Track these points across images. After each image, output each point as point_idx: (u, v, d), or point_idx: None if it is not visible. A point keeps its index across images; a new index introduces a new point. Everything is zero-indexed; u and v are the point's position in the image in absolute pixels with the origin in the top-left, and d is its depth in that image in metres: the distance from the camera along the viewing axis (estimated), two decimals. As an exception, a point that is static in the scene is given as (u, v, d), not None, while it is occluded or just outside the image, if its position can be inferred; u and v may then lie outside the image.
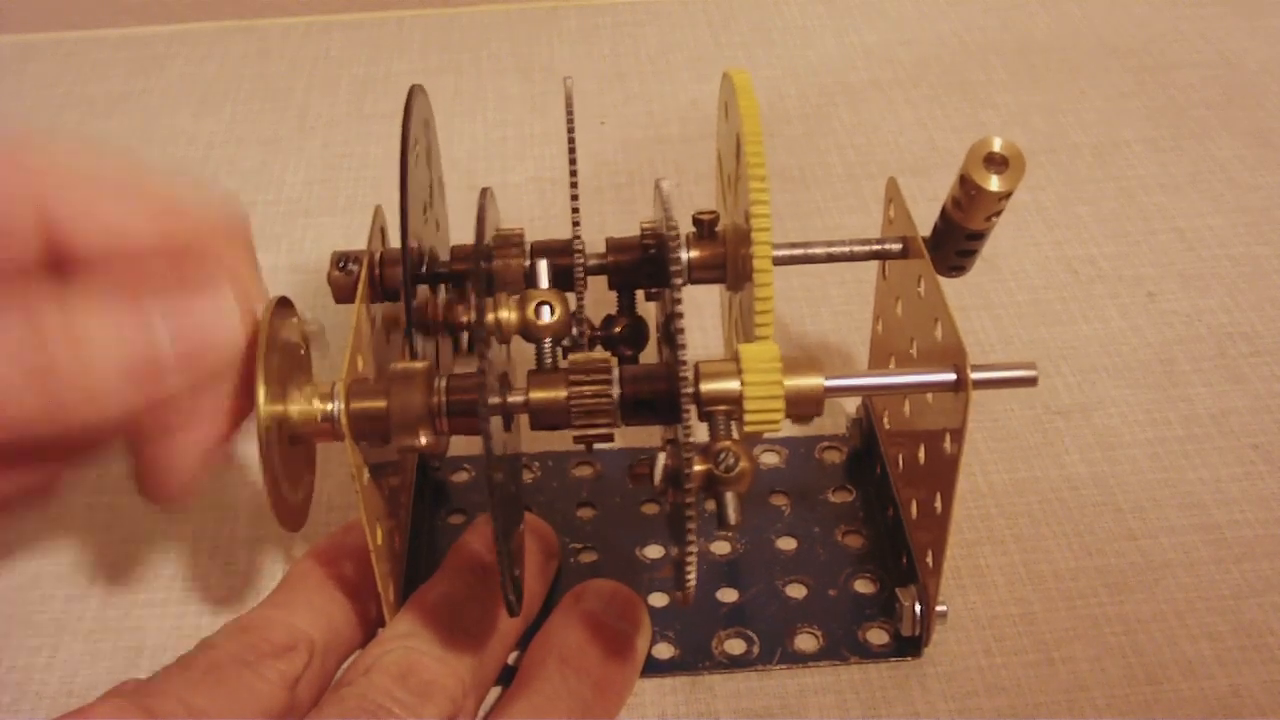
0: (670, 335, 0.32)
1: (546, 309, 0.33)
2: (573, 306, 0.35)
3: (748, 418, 0.31)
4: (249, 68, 0.66)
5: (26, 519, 0.42)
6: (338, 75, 0.66)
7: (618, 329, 0.37)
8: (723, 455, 0.31)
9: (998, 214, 0.35)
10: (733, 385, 0.32)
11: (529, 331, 0.34)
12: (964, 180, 0.35)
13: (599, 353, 0.33)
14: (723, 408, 0.32)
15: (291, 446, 0.33)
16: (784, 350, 0.32)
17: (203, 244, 0.32)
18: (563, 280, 0.36)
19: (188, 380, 0.31)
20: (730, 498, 0.31)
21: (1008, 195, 0.34)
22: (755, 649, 0.38)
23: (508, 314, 0.33)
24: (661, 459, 0.32)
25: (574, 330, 0.35)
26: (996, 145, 0.34)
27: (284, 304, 0.33)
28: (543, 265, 0.36)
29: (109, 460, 0.33)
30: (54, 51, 0.68)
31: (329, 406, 0.32)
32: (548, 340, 0.34)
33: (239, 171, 0.59)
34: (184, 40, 0.69)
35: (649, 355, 0.37)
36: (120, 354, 0.29)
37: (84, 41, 0.69)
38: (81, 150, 0.32)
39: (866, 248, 0.38)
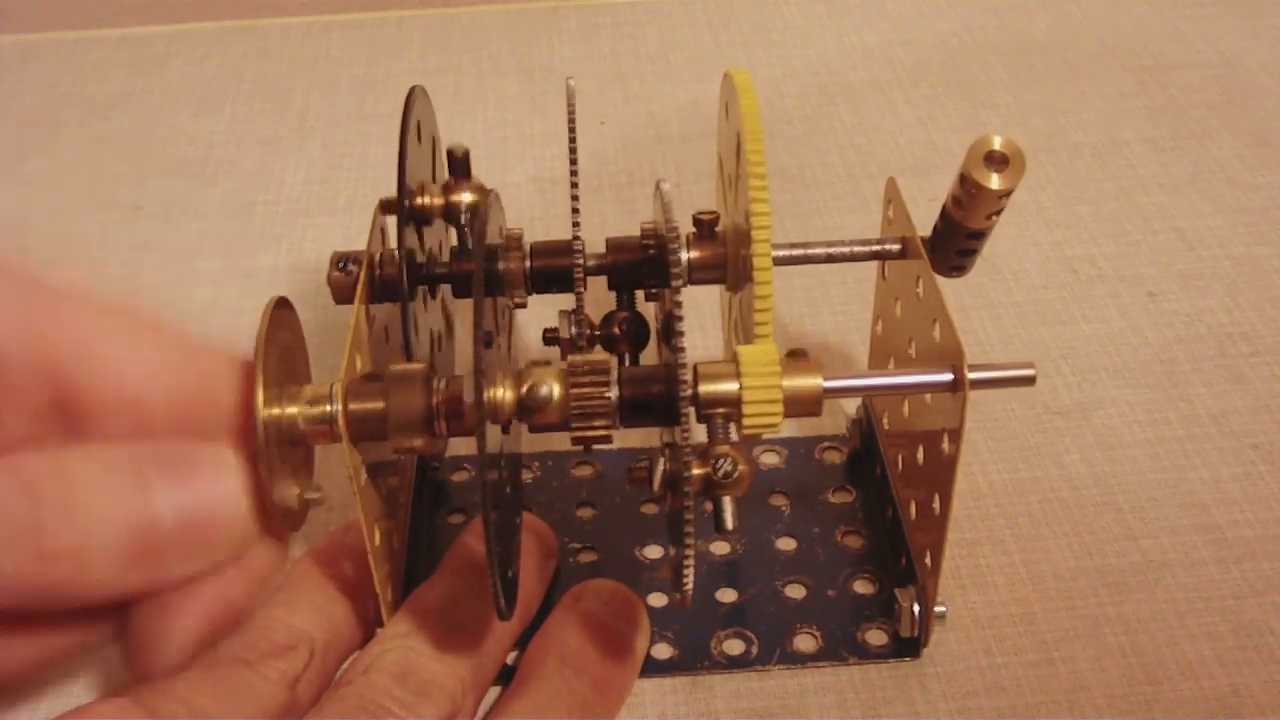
0: (670, 334, 0.32)
1: (545, 387, 0.32)
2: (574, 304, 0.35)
3: (746, 419, 0.31)
4: (249, 68, 0.66)
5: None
6: (338, 75, 0.66)
7: (617, 328, 0.37)
8: (720, 461, 0.31)
9: (998, 213, 0.35)
10: (731, 387, 0.32)
11: (526, 411, 0.32)
12: (964, 179, 0.35)
13: (598, 354, 0.33)
14: (721, 410, 0.32)
15: (290, 447, 0.33)
16: (784, 351, 0.32)
17: (214, 393, 0.31)
18: (563, 280, 0.36)
19: (191, 565, 0.30)
20: (728, 502, 0.31)
21: (1008, 193, 0.34)
22: (754, 649, 0.38)
23: (504, 392, 0.32)
24: (660, 464, 0.32)
25: (573, 330, 0.35)
26: (997, 143, 0.34)
27: (283, 304, 0.33)
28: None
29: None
30: (54, 51, 0.68)
31: (327, 408, 0.32)
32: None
33: (239, 171, 0.59)
34: (184, 40, 0.69)
35: (649, 355, 0.37)
36: (120, 528, 0.29)
37: (84, 41, 0.69)
38: (88, 296, 0.31)
39: (866, 248, 0.38)
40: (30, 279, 0.31)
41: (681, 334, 0.30)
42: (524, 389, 0.31)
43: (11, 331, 0.29)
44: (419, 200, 0.36)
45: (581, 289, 0.36)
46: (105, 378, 0.30)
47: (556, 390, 0.32)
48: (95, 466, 0.29)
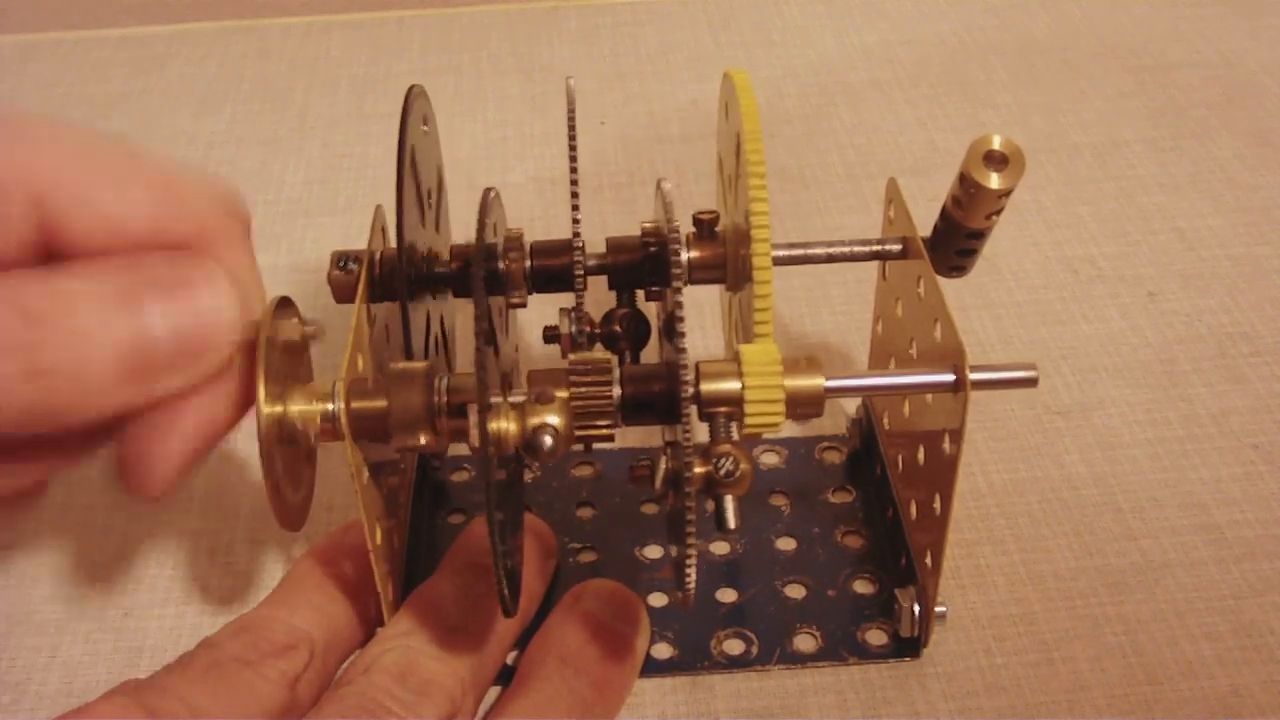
0: (671, 332, 0.32)
1: (548, 437, 0.32)
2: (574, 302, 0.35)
3: (748, 419, 0.31)
4: (249, 68, 0.66)
5: (24, 518, 0.42)
6: (338, 75, 0.66)
7: (618, 326, 0.37)
8: (722, 459, 0.31)
9: (998, 212, 0.35)
10: (733, 386, 0.32)
11: (530, 443, 0.32)
12: (964, 178, 0.35)
13: (600, 352, 0.33)
14: (724, 409, 0.32)
15: (292, 446, 0.33)
16: (784, 351, 0.32)
17: (201, 234, 0.31)
18: (563, 280, 0.36)
19: (183, 378, 0.30)
20: (729, 501, 0.31)
21: (1008, 193, 0.34)
22: (754, 649, 0.38)
23: (506, 424, 0.32)
24: (663, 463, 0.32)
25: (573, 327, 0.35)
26: (996, 143, 0.34)
27: (285, 303, 0.33)
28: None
29: (109, 460, 0.33)
30: (54, 51, 0.68)
31: (329, 406, 0.32)
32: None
33: (239, 171, 0.59)
34: (184, 40, 0.69)
35: (650, 352, 0.37)
36: (114, 347, 0.28)
37: (84, 41, 0.69)
38: (78, 134, 0.31)
39: (866, 248, 0.38)
40: (15, 115, 0.31)
41: (683, 334, 0.30)
42: (528, 429, 0.32)
43: None
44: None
45: (582, 288, 0.36)
46: (88, 204, 0.30)
47: (561, 430, 0.32)
48: (87, 285, 0.28)
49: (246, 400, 0.32)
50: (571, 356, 0.33)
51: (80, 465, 0.33)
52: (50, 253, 0.30)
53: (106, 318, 0.29)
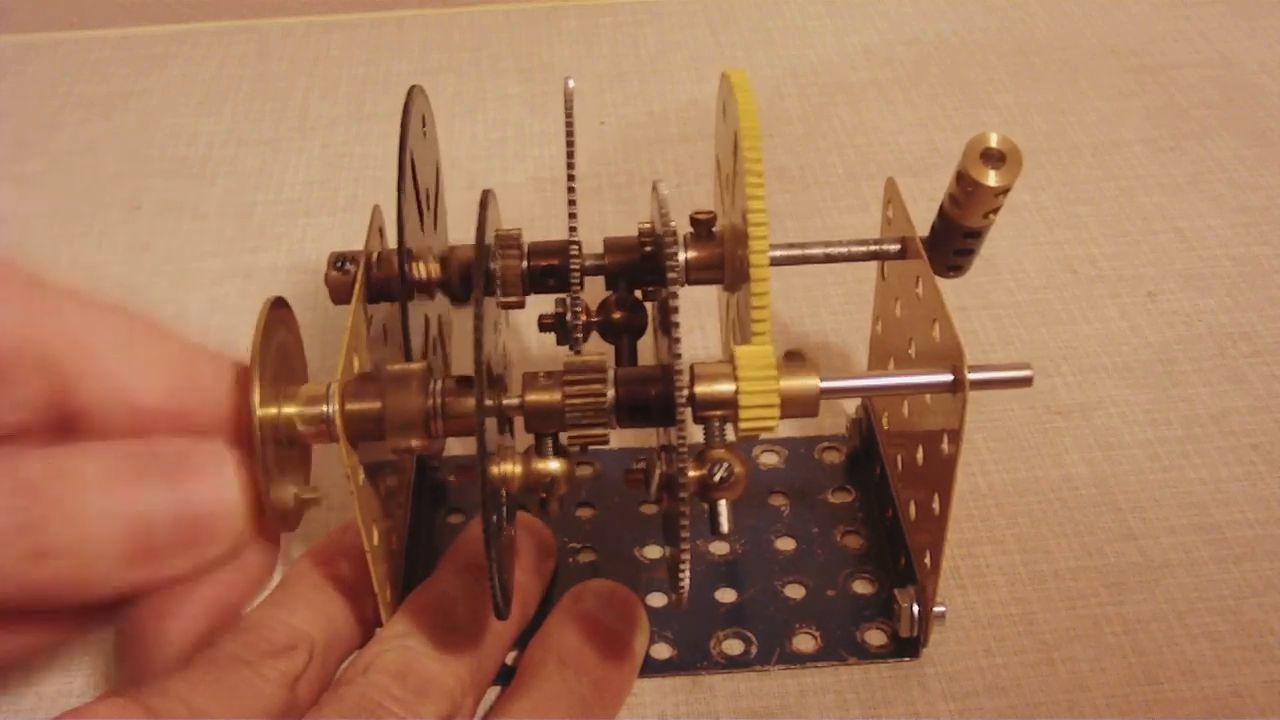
0: (667, 325, 0.32)
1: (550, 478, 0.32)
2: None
3: (743, 420, 0.31)
4: (249, 68, 0.66)
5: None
6: (338, 75, 0.66)
7: (615, 315, 0.37)
8: (716, 466, 0.31)
9: (995, 211, 0.35)
10: (728, 388, 0.32)
11: (532, 482, 0.33)
12: (961, 176, 0.35)
13: (594, 355, 0.33)
14: (718, 412, 0.32)
15: (287, 447, 0.33)
16: (782, 351, 0.32)
17: (216, 415, 0.31)
18: (560, 280, 0.36)
19: (188, 563, 0.30)
20: (723, 506, 0.31)
21: (1005, 191, 0.34)
22: (753, 649, 0.38)
23: (510, 467, 0.32)
24: (657, 468, 0.32)
25: (569, 316, 0.35)
26: (993, 140, 0.34)
27: (280, 304, 0.33)
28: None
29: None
30: (54, 51, 0.68)
31: (324, 408, 0.32)
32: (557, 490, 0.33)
33: (239, 171, 0.59)
34: (184, 40, 0.69)
35: (648, 351, 0.37)
36: (117, 529, 0.29)
37: (84, 41, 0.69)
38: (96, 301, 0.31)
39: (865, 248, 0.38)
40: (29, 275, 0.31)
41: (678, 340, 0.30)
42: (532, 474, 0.32)
43: (9, 327, 0.29)
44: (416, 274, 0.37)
45: (579, 289, 0.36)
46: (102, 376, 0.30)
47: (563, 481, 0.32)
48: (92, 465, 0.29)
49: (259, 584, 0.32)
50: (566, 359, 0.33)
51: (85, 637, 0.33)
52: (62, 419, 0.30)
53: (110, 499, 0.29)
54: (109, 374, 0.30)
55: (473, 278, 0.35)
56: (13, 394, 0.29)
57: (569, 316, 0.35)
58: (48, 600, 0.28)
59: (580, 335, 0.36)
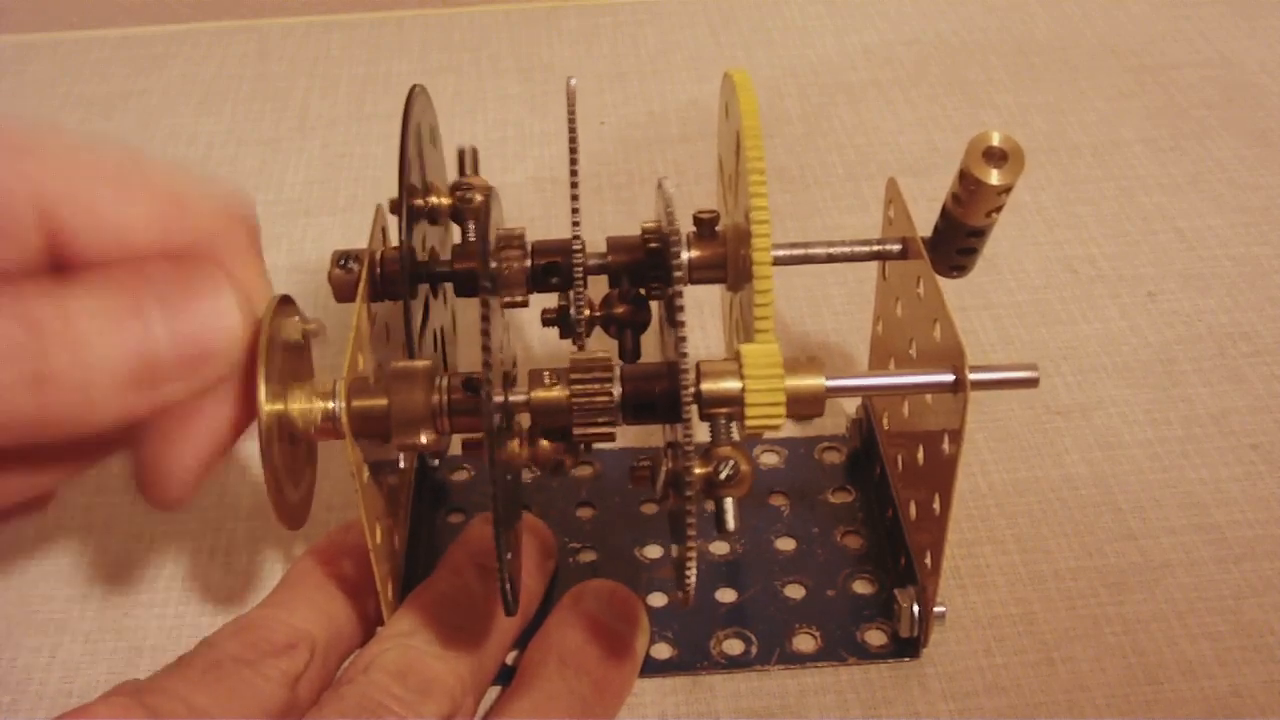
0: (673, 320, 0.32)
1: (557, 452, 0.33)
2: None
3: (749, 418, 0.31)
4: (249, 68, 0.66)
5: (24, 525, 0.42)
6: (338, 75, 0.66)
7: (618, 310, 0.37)
8: (723, 463, 0.31)
9: (998, 209, 0.35)
10: (734, 385, 0.32)
11: (539, 461, 0.33)
12: (964, 175, 0.35)
13: (600, 352, 0.33)
14: (724, 409, 0.32)
15: (292, 445, 0.33)
16: (785, 350, 0.32)
17: (208, 241, 0.31)
18: (563, 279, 0.36)
19: (188, 386, 0.30)
20: (729, 503, 0.31)
21: (1008, 189, 0.34)
22: (753, 649, 0.38)
23: (516, 446, 0.33)
24: (664, 465, 0.32)
25: (572, 311, 0.35)
26: (995, 139, 0.34)
27: (285, 302, 0.33)
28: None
29: (109, 461, 0.33)
30: (54, 51, 0.68)
31: (330, 405, 0.32)
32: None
33: (239, 171, 0.59)
34: (184, 40, 0.69)
35: (650, 349, 0.37)
36: (119, 357, 0.29)
37: (84, 41, 0.69)
38: (83, 144, 0.31)
39: (866, 248, 0.38)
40: (17, 125, 0.31)
41: (684, 338, 0.30)
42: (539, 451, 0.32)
43: (2, 176, 0.29)
44: (429, 200, 0.36)
45: (582, 288, 0.36)
46: (97, 223, 0.30)
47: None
48: (90, 294, 0.29)
49: (249, 408, 0.32)
50: (572, 356, 0.33)
51: (85, 474, 0.33)
52: (57, 262, 0.30)
53: (109, 327, 0.29)
54: (101, 212, 0.30)
55: (477, 276, 0.35)
56: (8, 240, 0.29)
57: (572, 311, 0.35)
58: (52, 430, 0.28)
59: (583, 330, 0.36)
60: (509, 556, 0.31)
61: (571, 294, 0.36)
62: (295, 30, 0.69)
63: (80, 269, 0.30)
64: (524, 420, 0.33)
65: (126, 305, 0.29)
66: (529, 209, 0.56)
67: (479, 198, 0.37)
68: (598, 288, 0.37)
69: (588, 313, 0.36)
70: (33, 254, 0.30)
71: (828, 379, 0.32)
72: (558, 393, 0.32)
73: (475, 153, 0.38)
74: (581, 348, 0.36)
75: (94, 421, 0.29)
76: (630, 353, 0.37)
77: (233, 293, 0.31)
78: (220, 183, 0.33)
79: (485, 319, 0.30)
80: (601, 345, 0.35)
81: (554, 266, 0.36)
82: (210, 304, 0.30)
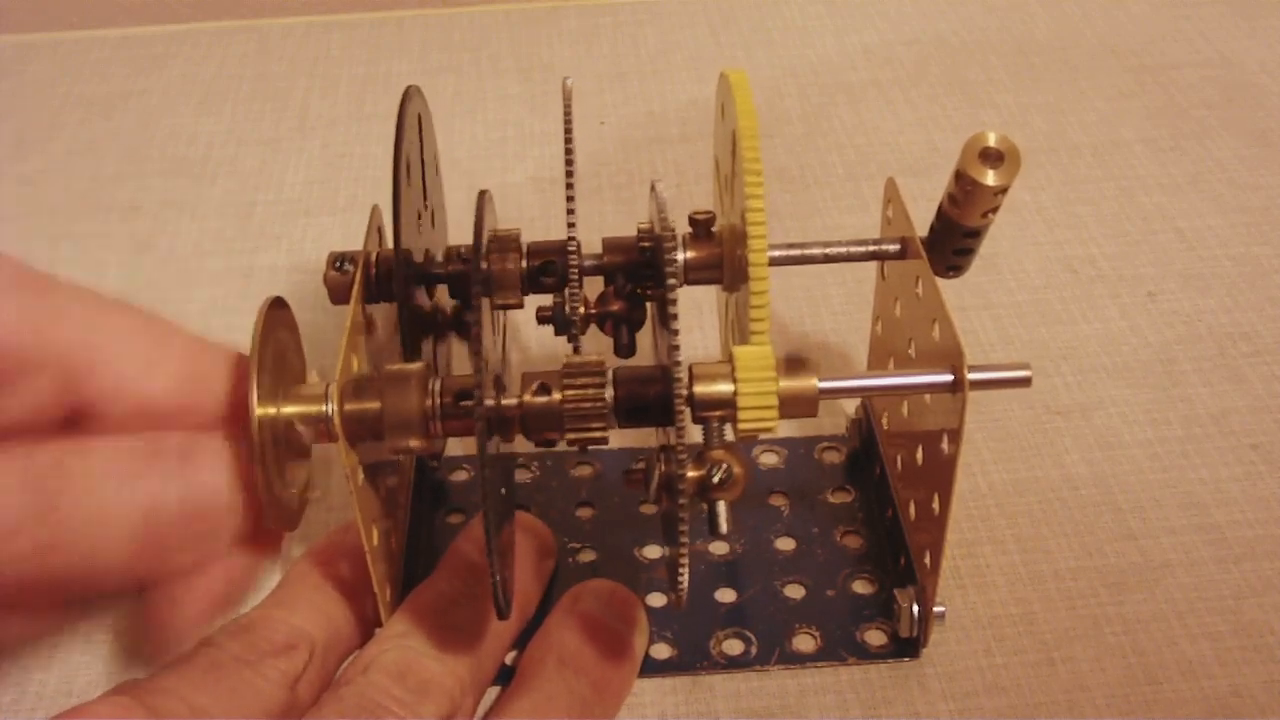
0: (667, 325, 0.32)
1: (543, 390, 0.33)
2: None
3: (741, 421, 0.31)
4: (249, 68, 0.66)
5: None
6: (338, 75, 0.66)
7: (614, 306, 0.37)
8: (715, 467, 0.31)
9: (994, 210, 0.35)
10: (726, 388, 0.32)
11: (527, 414, 0.33)
12: (960, 176, 0.35)
13: (593, 355, 0.33)
14: (717, 413, 0.32)
15: (285, 447, 0.33)
16: (779, 351, 0.32)
17: (223, 411, 0.32)
18: (558, 280, 0.36)
19: (190, 548, 0.31)
20: (722, 506, 0.31)
21: (1004, 190, 0.34)
22: (753, 649, 0.38)
23: (506, 400, 0.33)
24: (657, 469, 0.32)
25: (567, 309, 0.35)
26: (992, 140, 0.34)
27: (279, 304, 0.33)
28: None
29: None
30: (54, 51, 0.68)
31: (322, 408, 0.32)
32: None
33: (239, 171, 0.59)
34: (184, 40, 0.69)
35: (646, 350, 0.37)
36: (126, 520, 0.29)
37: (84, 41, 0.69)
38: (106, 303, 0.32)
39: (864, 248, 0.38)
40: (36, 275, 0.31)
41: (677, 339, 0.30)
42: (530, 392, 0.32)
43: (18, 326, 0.30)
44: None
45: (578, 289, 0.36)
46: (110, 372, 0.31)
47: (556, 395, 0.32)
48: (100, 458, 0.30)
49: (259, 566, 0.33)
50: (566, 359, 0.33)
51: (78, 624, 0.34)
52: (70, 416, 0.31)
53: (117, 490, 0.30)
54: (116, 370, 0.31)
55: (469, 277, 0.35)
56: (23, 391, 0.30)
57: (567, 309, 0.35)
58: (57, 588, 0.29)
59: (579, 329, 0.36)
60: (502, 572, 0.31)
61: (566, 291, 0.36)
62: (295, 30, 0.69)
63: (90, 428, 0.31)
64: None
65: (133, 466, 0.30)
66: (528, 209, 0.56)
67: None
68: (593, 289, 0.37)
69: (583, 310, 0.36)
70: (50, 410, 0.30)
71: (822, 380, 0.32)
72: (550, 396, 0.32)
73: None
74: (577, 348, 0.36)
75: (98, 580, 0.30)
76: (626, 347, 0.37)
77: (230, 463, 0.32)
78: (228, 343, 0.34)
79: (476, 322, 0.30)
80: (596, 346, 0.35)
81: (548, 266, 0.36)
82: (212, 472, 0.31)
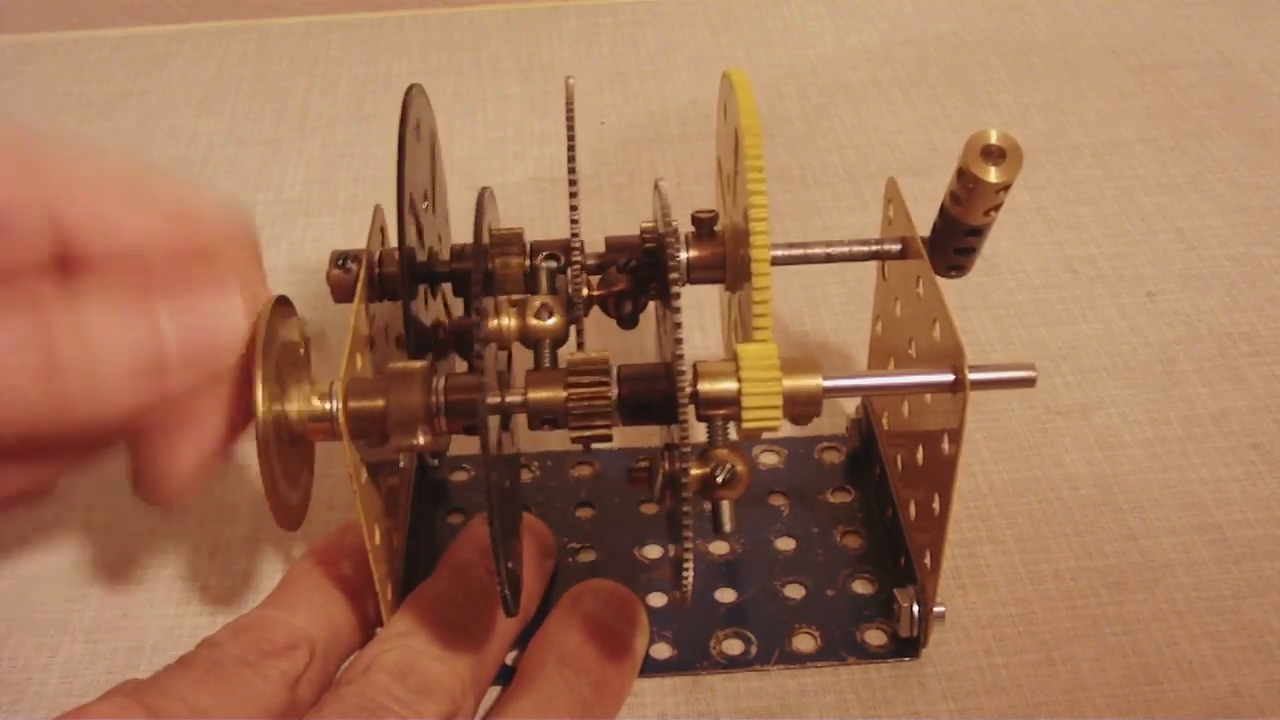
0: (670, 320, 0.32)
1: (545, 312, 0.33)
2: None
3: (746, 419, 0.31)
4: (249, 68, 0.66)
5: (25, 519, 0.42)
6: (338, 75, 0.66)
7: (618, 285, 0.37)
8: (719, 465, 0.31)
9: (996, 208, 0.35)
10: (731, 385, 0.32)
11: (528, 337, 0.34)
12: (962, 173, 0.35)
13: (597, 353, 0.33)
14: (722, 411, 0.32)
15: (290, 446, 0.33)
16: (783, 350, 0.32)
17: (210, 246, 0.32)
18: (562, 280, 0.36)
19: (192, 380, 0.30)
20: (726, 505, 0.31)
21: (1006, 187, 0.34)
22: (753, 649, 0.38)
23: (507, 321, 0.33)
24: (661, 467, 0.32)
25: (570, 290, 0.35)
26: (993, 137, 0.34)
27: (283, 303, 0.33)
28: (543, 271, 0.36)
29: (109, 461, 0.33)
30: (54, 51, 0.68)
31: (327, 406, 0.32)
32: (546, 342, 0.34)
33: (239, 171, 0.59)
34: (184, 40, 0.69)
35: (650, 350, 0.37)
36: (127, 351, 0.29)
37: (84, 41, 0.69)
38: (92, 153, 0.32)
39: (865, 248, 0.38)
40: (25, 134, 0.31)
41: (680, 337, 0.30)
42: (530, 318, 0.32)
43: (12, 185, 0.30)
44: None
45: (580, 273, 0.36)
46: (107, 232, 0.30)
47: (556, 315, 0.33)
48: (102, 291, 0.29)
49: (252, 404, 0.32)
50: (570, 357, 0.33)
51: (88, 467, 0.33)
52: (65, 265, 0.31)
53: (118, 319, 0.29)
54: (110, 222, 0.31)
55: (471, 276, 0.35)
56: (12, 235, 0.30)
57: (570, 290, 0.35)
58: (61, 421, 0.29)
59: (583, 310, 0.35)
60: (510, 565, 0.31)
61: (569, 274, 0.36)
62: (295, 30, 0.69)
63: (88, 270, 0.30)
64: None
65: (135, 299, 0.30)
66: (529, 209, 0.56)
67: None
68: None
69: (586, 291, 0.36)
70: (42, 258, 0.30)
71: (825, 379, 0.32)
72: (555, 393, 0.32)
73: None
74: (581, 333, 0.36)
75: (104, 413, 0.29)
76: (629, 318, 0.36)
77: (238, 290, 0.31)
78: (222, 197, 0.33)
79: (477, 324, 0.30)
80: (599, 345, 0.35)
81: (551, 259, 0.36)
82: (216, 301, 0.31)
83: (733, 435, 0.32)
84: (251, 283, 0.32)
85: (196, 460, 0.32)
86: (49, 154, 0.31)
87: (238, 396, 0.32)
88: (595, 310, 0.37)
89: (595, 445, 0.33)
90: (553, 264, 0.36)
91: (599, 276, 0.37)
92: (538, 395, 0.32)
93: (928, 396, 0.36)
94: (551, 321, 0.33)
